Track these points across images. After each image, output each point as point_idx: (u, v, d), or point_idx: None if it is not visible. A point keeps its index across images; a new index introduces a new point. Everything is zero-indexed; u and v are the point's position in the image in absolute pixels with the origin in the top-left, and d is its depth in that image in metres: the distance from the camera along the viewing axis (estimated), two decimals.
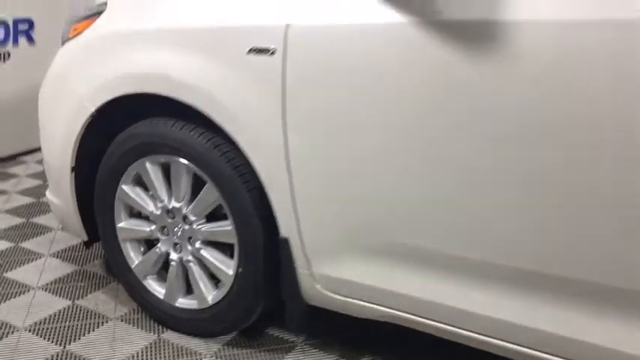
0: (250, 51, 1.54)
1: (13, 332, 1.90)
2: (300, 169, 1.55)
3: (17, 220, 2.72)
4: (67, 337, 1.88)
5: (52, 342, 1.85)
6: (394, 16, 1.35)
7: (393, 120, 1.41)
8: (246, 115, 1.58)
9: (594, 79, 1.17)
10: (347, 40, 1.42)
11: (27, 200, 2.94)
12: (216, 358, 1.83)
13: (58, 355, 1.79)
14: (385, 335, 1.87)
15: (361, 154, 1.47)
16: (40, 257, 2.39)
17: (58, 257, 2.40)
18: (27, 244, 2.48)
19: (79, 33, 1.94)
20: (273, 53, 1.51)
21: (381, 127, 1.42)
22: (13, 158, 3.45)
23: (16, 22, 3.44)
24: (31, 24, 3.49)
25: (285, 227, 1.62)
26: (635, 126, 1.14)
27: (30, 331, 1.91)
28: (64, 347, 1.83)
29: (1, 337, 1.87)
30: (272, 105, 1.53)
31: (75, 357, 1.79)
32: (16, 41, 3.46)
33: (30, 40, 3.48)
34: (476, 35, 1.26)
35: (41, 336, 1.88)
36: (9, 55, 3.44)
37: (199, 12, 1.65)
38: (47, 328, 1.92)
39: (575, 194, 1.23)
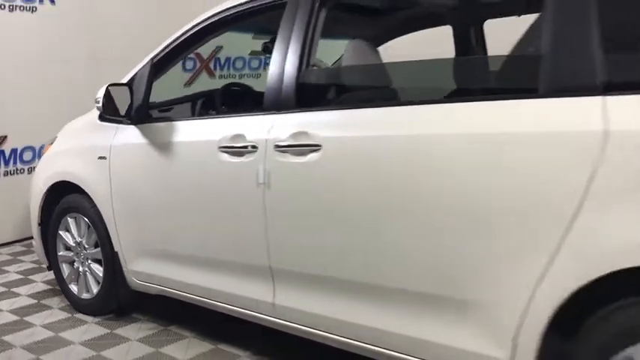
0: (99, 158, 3.18)
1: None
2: (118, 217, 3.13)
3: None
4: None
5: None
6: (140, 139, 2.96)
7: (156, 188, 2.97)
8: (97, 189, 3.20)
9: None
10: (130, 150, 3.04)
11: None
12: (97, 324, 3.35)
13: None
14: (200, 314, 3.31)
15: (141, 206, 3.04)
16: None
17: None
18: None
19: (47, 150, 3.70)
20: (106, 158, 3.14)
21: (149, 193, 2.99)
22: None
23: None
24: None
25: (116, 245, 3.18)
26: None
27: None
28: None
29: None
30: (106, 184, 3.14)
31: None
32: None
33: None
34: (171, 151, 2.83)
35: None
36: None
37: (79, 139, 3.34)
38: None
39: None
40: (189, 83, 5.99)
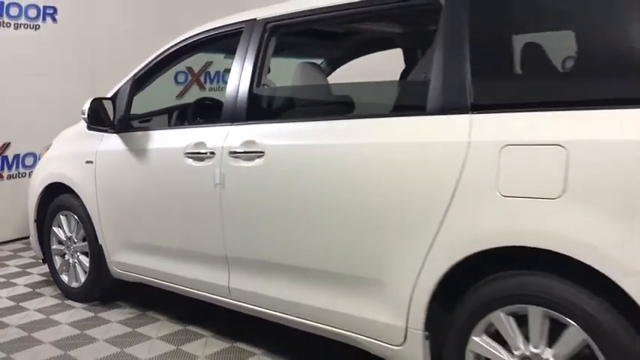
0: (86, 162, 3.64)
1: None
2: (102, 212, 3.58)
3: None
4: None
5: None
6: (121, 146, 3.41)
7: (134, 188, 3.41)
8: (85, 189, 3.65)
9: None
10: (113, 155, 3.48)
11: None
12: (84, 309, 3.79)
13: None
14: (175, 300, 3.74)
15: (121, 204, 3.48)
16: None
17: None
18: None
19: (42, 155, 4.16)
20: (92, 162, 3.59)
21: (128, 192, 3.43)
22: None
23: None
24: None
25: (100, 239, 3.62)
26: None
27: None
28: None
29: None
30: (92, 183, 3.59)
31: None
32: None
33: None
34: (147, 156, 3.28)
35: None
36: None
37: (70, 145, 3.80)
38: None
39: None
40: (181, 95, 6.44)
